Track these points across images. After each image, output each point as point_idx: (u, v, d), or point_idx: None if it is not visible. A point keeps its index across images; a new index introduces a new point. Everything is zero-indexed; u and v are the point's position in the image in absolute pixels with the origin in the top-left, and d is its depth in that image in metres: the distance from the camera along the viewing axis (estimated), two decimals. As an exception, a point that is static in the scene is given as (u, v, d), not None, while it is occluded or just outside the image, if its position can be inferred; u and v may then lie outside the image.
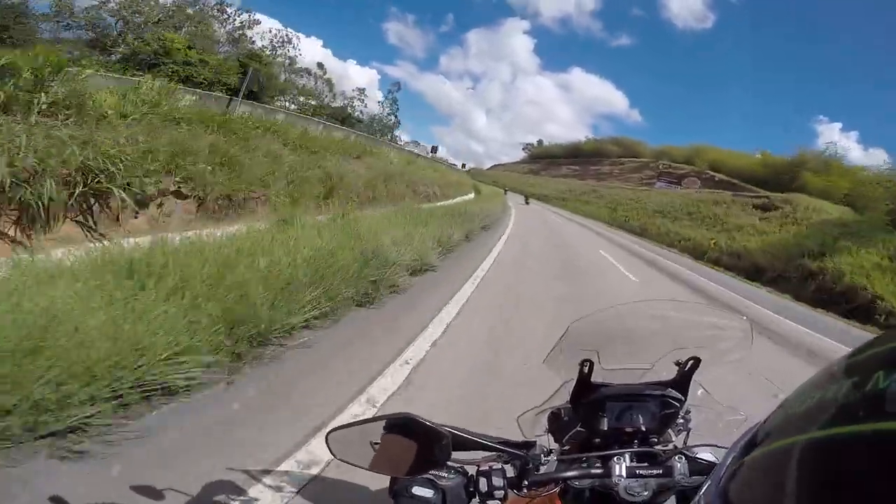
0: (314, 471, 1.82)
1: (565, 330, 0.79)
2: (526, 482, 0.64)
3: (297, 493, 1.71)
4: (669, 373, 0.75)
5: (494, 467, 0.66)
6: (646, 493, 0.62)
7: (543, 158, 74.42)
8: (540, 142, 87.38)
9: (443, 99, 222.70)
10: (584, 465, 0.67)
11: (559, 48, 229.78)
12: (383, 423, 0.65)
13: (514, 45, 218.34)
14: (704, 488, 0.36)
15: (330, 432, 0.69)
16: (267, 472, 1.77)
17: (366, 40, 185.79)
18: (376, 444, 0.64)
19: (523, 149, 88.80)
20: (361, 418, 0.68)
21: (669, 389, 0.74)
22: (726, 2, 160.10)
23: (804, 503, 0.24)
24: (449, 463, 0.65)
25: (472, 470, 0.68)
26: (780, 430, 0.28)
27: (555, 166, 66.99)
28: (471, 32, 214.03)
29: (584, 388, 0.73)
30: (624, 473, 0.62)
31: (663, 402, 0.73)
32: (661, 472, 0.62)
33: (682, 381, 0.74)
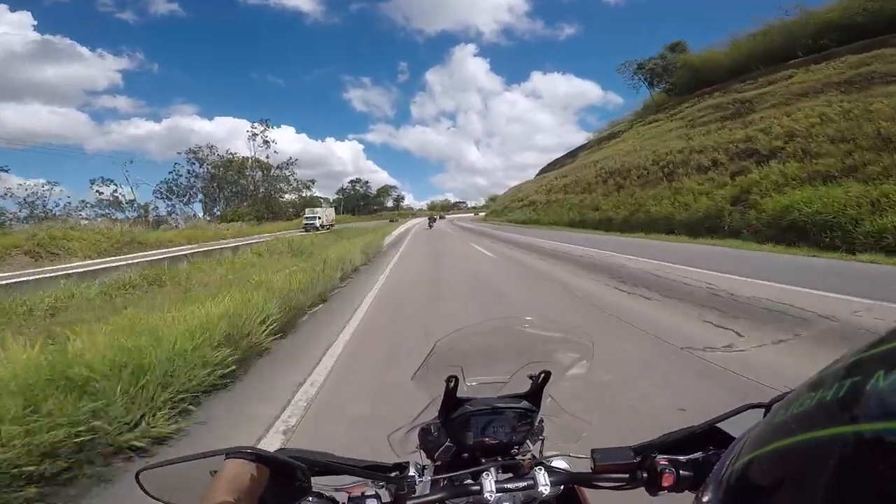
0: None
1: (432, 347, 0.82)
2: None
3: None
4: (525, 385, 0.81)
5: (367, 493, 0.63)
6: None
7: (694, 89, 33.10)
8: (676, 47, 43.60)
9: (430, 147, 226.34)
10: (457, 482, 0.68)
11: (512, 59, 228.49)
12: (221, 457, 0.53)
13: (471, 71, 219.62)
14: (704, 488, 0.36)
15: (140, 471, 0.56)
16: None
17: (335, 115, 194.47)
18: (215, 471, 0.52)
19: (641, 74, 44.68)
20: (181, 455, 0.55)
21: (524, 401, 0.79)
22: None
23: (805, 503, 0.23)
24: (316, 490, 0.59)
25: (340, 497, 0.63)
26: (781, 430, 0.27)
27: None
28: (428, 73, 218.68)
29: (451, 403, 0.77)
30: (494, 489, 0.64)
31: (520, 414, 0.78)
32: (525, 485, 0.66)
33: (536, 392, 0.80)
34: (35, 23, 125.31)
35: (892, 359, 0.24)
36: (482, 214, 75.24)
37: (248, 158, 64.36)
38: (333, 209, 55.25)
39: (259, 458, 0.51)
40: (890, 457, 0.20)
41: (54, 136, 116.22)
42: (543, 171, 66.40)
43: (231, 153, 62.88)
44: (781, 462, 0.26)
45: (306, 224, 42.07)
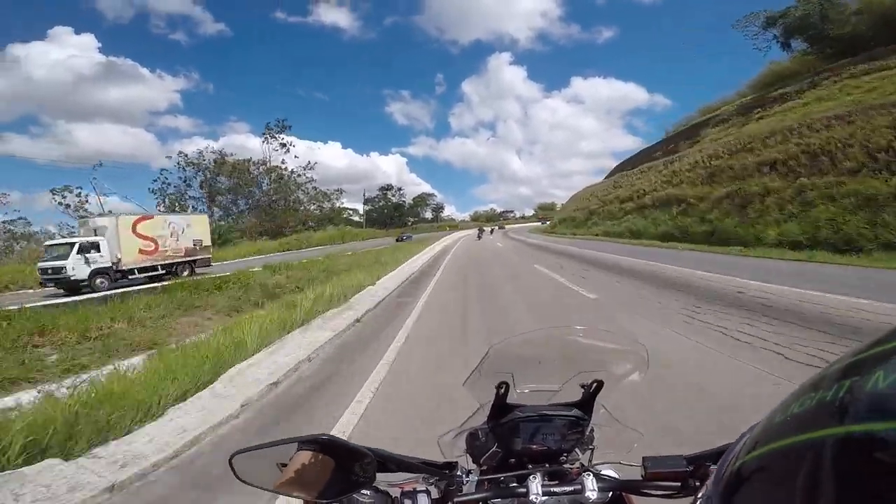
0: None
1: (485, 353, 0.82)
2: (450, 503, 0.65)
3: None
4: (576, 394, 0.80)
5: (419, 489, 0.65)
6: None
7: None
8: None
9: (471, 158, 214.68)
10: (503, 484, 0.69)
11: (550, 65, 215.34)
12: (295, 444, 0.58)
13: (508, 79, 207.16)
14: (704, 489, 0.34)
15: (234, 455, 0.61)
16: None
17: (378, 129, 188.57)
18: (284, 464, 0.57)
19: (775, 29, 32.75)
20: (270, 440, 0.60)
21: (575, 410, 0.79)
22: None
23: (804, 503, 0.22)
24: (373, 484, 0.61)
25: (394, 492, 0.66)
26: (780, 431, 0.27)
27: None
28: (465, 83, 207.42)
29: (500, 409, 0.77)
30: (540, 492, 0.64)
31: (571, 422, 0.78)
32: (573, 490, 0.65)
33: (587, 401, 0.80)
34: (99, 45, 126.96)
35: (892, 359, 0.23)
36: (547, 224, 58.32)
37: (247, 161, 50.86)
38: (206, 218, 23.24)
39: (330, 447, 0.55)
40: (890, 456, 0.20)
41: (125, 156, 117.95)
42: (626, 165, 48.62)
43: (223, 154, 49.43)
44: (780, 462, 0.26)
45: (41, 273, 15.20)
